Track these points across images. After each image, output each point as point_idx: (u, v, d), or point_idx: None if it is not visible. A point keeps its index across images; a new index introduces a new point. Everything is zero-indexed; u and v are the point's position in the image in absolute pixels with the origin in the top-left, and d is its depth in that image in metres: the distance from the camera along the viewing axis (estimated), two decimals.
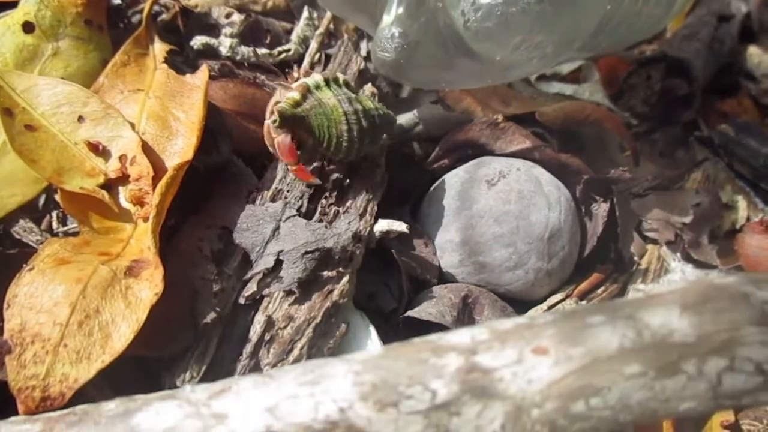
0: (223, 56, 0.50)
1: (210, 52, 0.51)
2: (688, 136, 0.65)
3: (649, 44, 0.72)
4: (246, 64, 0.51)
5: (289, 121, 0.38)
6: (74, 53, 0.42)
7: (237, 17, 0.52)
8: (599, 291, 0.48)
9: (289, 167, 0.41)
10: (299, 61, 0.53)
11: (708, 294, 0.23)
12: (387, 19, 0.45)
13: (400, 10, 0.44)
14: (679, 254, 0.45)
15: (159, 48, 0.45)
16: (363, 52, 0.54)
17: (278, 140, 0.39)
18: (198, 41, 0.50)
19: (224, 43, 0.50)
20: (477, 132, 0.51)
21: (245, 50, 0.50)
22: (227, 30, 0.51)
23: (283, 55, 0.51)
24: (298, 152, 0.39)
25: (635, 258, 0.50)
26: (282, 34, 0.55)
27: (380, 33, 0.45)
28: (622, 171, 0.48)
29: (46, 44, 0.41)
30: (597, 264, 0.49)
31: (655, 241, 0.52)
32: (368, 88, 0.48)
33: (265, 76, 0.51)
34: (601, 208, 0.47)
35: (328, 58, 0.54)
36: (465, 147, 0.52)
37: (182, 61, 0.50)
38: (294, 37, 0.54)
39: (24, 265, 0.33)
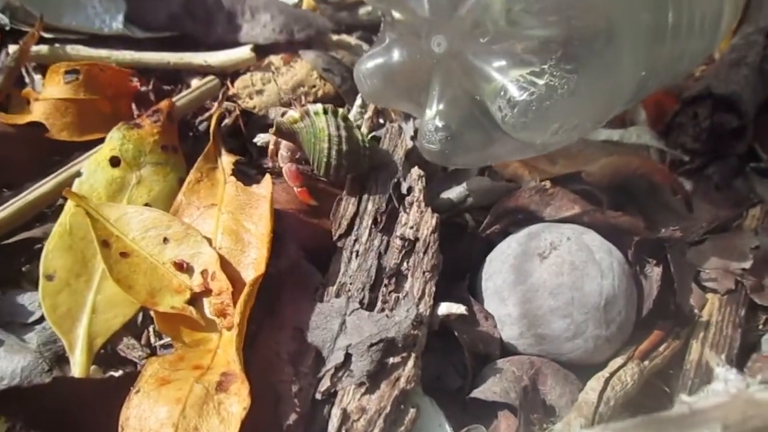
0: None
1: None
2: (744, 165, 0.64)
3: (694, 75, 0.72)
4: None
5: (284, 133, 0.48)
6: (155, 178, 0.47)
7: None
8: (661, 349, 0.49)
9: (295, 189, 0.50)
10: None
11: (747, 412, 0.24)
12: (429, 113, 0.48)
13: (441, 106, 0.47)
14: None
15: (227, 161, 0.50)
16: (410, 130, 0.57)
17: (286, 168, 0.49)
18: (260, 139, 0.55)
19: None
20: (526, 199, 0.53)
21: None
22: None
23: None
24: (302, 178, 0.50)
25: (695, 311, 0.51)
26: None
27: (424, 126, 0.48)
28: (673, 230, 0.49)
29: (130, 174, 0.47)
30: (657, 320, 0.50)
31: (715, 291, 0.52)
32: (415, 171, 0.51)
33: None
34: (654, 272, 0.48)
35: (377, 142, 0.57)
36: (515, 213, 0.54)
37: (247, 161, 0.55)
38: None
39: (132, 387, 0.38)
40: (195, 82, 0.59)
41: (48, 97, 0.47)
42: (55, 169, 0.47)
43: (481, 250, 0.53)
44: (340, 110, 0.51)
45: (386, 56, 0.49)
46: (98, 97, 0.48)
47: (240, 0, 0.63)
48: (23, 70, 0.54)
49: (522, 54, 0.43)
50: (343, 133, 0.50)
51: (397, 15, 0.47)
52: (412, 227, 0.48)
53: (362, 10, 0.71)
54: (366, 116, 0.58)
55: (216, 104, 0.54)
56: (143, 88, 0.51)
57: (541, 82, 0.42)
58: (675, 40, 0.49)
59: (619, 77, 0.45)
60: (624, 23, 0.44)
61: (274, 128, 0.48)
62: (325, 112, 0.50)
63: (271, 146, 0.52)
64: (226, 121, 0.56)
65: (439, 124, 0.47)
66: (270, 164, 0.53)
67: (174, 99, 0.51)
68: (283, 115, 0.51)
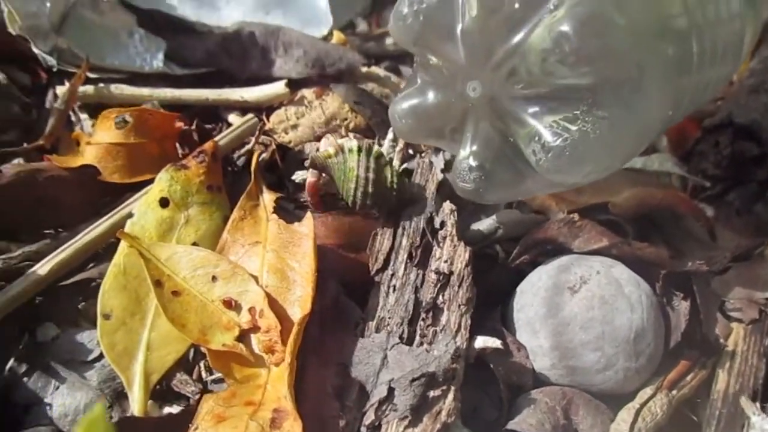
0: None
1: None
2: (764, 191, 0.66)
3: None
4: None
5: (317, 166, 0.52)
6: (201, 217, 0.49)
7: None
8: (688, 379, 0.50)
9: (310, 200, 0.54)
10: None
11: None
12: (463, 153, 0.50)
13: (474, 146, 0.49)
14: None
15: (268, 198, 0.52)
16: (440, 163, 0.59)
17: (308, 179, 0.52)
18: (298, 176, 0.57)
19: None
20: (555, 231, 0.55)
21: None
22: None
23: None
24: (320, 193, 0.54)
25: (721, 340, 0.53)
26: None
27: (458, 165, 0.50)
28: (699, 264, 0.51)
29: (179, 214, 0.49)
30: (683, 350, 0.51)
31: (740, 320, 0.54)
32: (447, 205, 0.53)
33: None
34: (682, 306, 0.50)
35: (409, 173, 0.59)
36: (544, 244, 0.56)
37: (284, 195, 0.57)
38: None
39: (190, 425, 0.40)
40: (232, 118, 0.61)
41: (100, 141, 0.49)
42: (106, 210, 0.49)
43: (512, 281, 0.55)
44: (375, 148, 0.53)
45: (421, 97, 0.51)
46: (147, 140, 0.50)
47: (273, 36, 0.65)
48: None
49: (555, 100, 0.44)
50: (371, 175, 0.52)
51: (432, 59, 0.49)
52: (446, 261, 0.50)
53: (389, 40, 0.73)
54: (397, 149, 0.60)
55: (255, 141, 0.56)
56: (187, 128, 0.53)
57: (574, 127, 0.44)
58: (700, 71, 0.51)
59: (648, 117, 0.47)
60: (653, 66, 0.45)
61: (309, 161, 0.51)
62: (359, 150, 0.52)
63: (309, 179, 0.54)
64: (264, 155, 0.58)
65: (473, 163, 0.49)
66: (308, 199, 0.56)
67: (216, 139, 0.53)
68: (318, 149, 0.54)
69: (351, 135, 0.61)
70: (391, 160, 0.60)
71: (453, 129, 0.51)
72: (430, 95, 0.50)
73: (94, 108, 0.58)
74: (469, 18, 0.45)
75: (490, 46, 0.46)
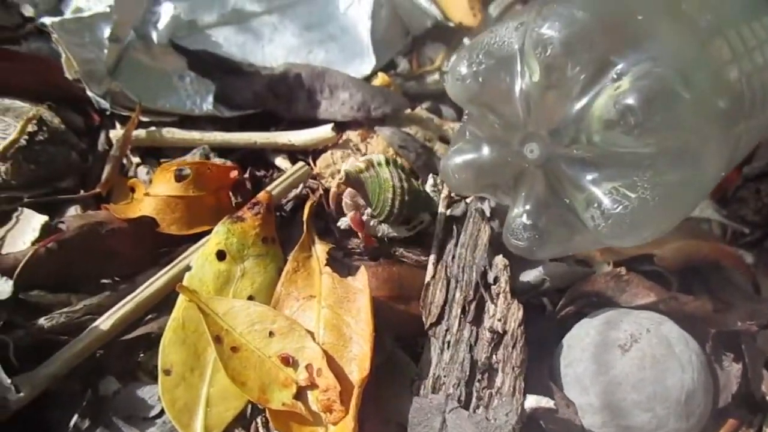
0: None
1: (354, 232, 0.58)
2: None
3: None
4: (386, 239, 0.57)
5: (351, 182, 0.53)
6: (257, 270, 0.50)
7: None
8: None
9: (359, 234, 0.55)
10: (431, 226, 0.59)
11: None
12: (517, 211, 0.50)
13: (528, 206, 0.50)
14: None
15: (320, 249, 0.53)
16: (487, 210, 0.60)
17: (350, 216, 0.54)
18: (344, 222, 0.58)
19: (368, 223, 0.57)
20: (602, 284, 0.56)
21: (385, 228, 0.57)
22: (369, 210, 0.58)
23: (418, 228, 0.58)
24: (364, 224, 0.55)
25: (767, 398, 0.53)
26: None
27: (511, 223, 0.50)
28: (749, 324, 0.51)
29: (235, 267, 0.49)
30: (730, 408, 0.52)
31: None
32: (500, 260, 0.54)
33: (404, 248, 0.58)
34: (733, 368, 0.50)
35: (454, 221, 0.60)
36: (590, 296, 0.56)
37: (333, 242, 0.58)
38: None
39: None
40: (280, 161, 0.61)
41: (158, 193, 0.50)
42: (164, 261, 0.50)
43: (558, 332, 0.55)
44: (399, 160, 0.56)
45: (475, 153, 0.51)
46: (204, 192, 0.51)
47: (319, 78, 0.66)
48: None
49: (614, 166, 0.45)
50: (405, 184, 0.54)
51: (488, 116, 0.49)
52: (500, 320, 0.51)
53: (429, 79, 0.74)
54: (442, 195, 0.61)
55: (307, 190, 0.57)
56: (240, 177, 0.54)
57: (633, 195, 0.44)
58: (751, 118, 0.51)
59: (706, 176, 0.47)
60: (712, 128, 0.46)
61: (343, 177, 0.53)
62: (388, 163, 0.54)
63: (333, 189, 0.56)
64: (311, 199, 0.59)
65: (527, 222, 0.50)
66: (359, 248, 0.56)
67: (269, 188, 0.54)
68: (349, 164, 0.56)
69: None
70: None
71: (506, 184, 0.51)
72: (485, 151, 0.51)
73: (146, 151, 0.59)
74: (529, 82, 0.46)
75: (550, 111, 0.46)
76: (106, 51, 0.55)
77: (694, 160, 0.45)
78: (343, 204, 0.56)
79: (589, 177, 0.45)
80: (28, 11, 0.63)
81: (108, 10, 0.54)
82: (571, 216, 0.48)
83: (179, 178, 0.50)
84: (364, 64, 0.71)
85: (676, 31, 0.45)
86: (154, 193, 0.50)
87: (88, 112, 0.59)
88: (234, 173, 0.52)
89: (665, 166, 0.44)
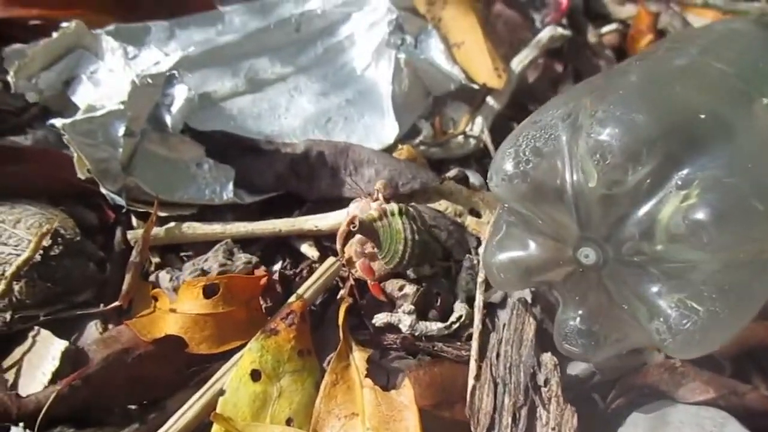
0: (404, 332, 0.54)
1: (390, 327, 0.55)
2: None
3: None
4: (423, 337, 0.54)
5: (365, 230, 0.53)
6: (294, 388, 0.47)
7: (409, 289, 0.55)
8: None
9: (368, 282, 0.55)
10: (470, 323, 0.55)
11: None
12: (570, 314, 0.47)
13: (581, 311, 0.46)
14: None
15: (359, 357, 0.49)
16: (528, 298, 0.56)
17: (359, 263, 0.54)
18: (379, 320, 0.54)
19: (404, 322, 0.54)
20: (656, 376, 0.52)
21: (423, 327, 0.54)
22: (404, 306, 0.55)
23: (456, 325, 0.55)
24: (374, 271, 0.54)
25: None
26: (445, 290, 0.58)
27: (563, 325, 0.47)
28: None
29: (271, 387, 0.46)
30: None
31: None
32: (549, 359, 0.50)
33: (443, 344, 0.54)
34: None
35: (493, 308, 0.57)
36: (643, 388, 0.53)
37: (367, 337, 0.54)
38: (459, 289, 0.58)
39: None
40: (305, 248, 0.58)
41: (186, 311, 0.46)
42: (193, 382, 0.47)
43: (609, 426, 0.52)
44: (412, 210, 0.56)
45: (521, 251, 0.48)
46: (234, 307, 0.47)
47: (342, 155, 0.62)
48: None
49: (680, 277, 0.42)
50: (417, 237, 0.54)
51: (539, 216, 0.46)
52: (553, 428, 0.47)
53: (454, 144, 0.71)
54: (479, 280, 0.57)
55: (337, 279, 0.54)
56: (269, 280, 0.50)
57: (702, 308, 0.41)
58: None
59: None
60: None
61: (356, 227, 0.53)
62: (401, 213, 0.55)
63: (341, 229, 0.54)
64: (342, 292, 0.56)
65: (582, 327, 0.46)
66: (396, 343, 0.53)
67: (301, 291, 0.51)
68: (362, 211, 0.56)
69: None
70: (470, 288, 0.58)
71: (560, 287, 0.48)
72: (533, 250, 0.47)
73: (165, 247, 0.56)
74: (584, 185, 0.43)
75: (606, 218, 0.43)
76: (120, 150, 0.51)
77: (761, 270, 0.42)
78: (353, 251, 0.55)
79: (653, 288, 0.42)
80: (32, 98, 0.59)
81: (121, 107, 0.51)
82: (630, 319, 0.45)
83: (208, 294, 0.46)
84: (387, 132, 0.68)
85: (744, 131, 0.42)
86: (181, 311, 0.47)
87: (101, 208, 0.56)
88: (263, 280, 0.49)
89: (735, 274, 0.41)
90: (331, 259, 0.54)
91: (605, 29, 0.96)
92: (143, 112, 0.53)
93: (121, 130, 0.51)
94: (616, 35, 0.97)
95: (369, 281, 0.54)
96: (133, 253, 0.51)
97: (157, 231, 0.54)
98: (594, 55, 0.89)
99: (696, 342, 0.41)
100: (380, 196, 0.57)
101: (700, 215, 0.38)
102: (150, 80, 0.53)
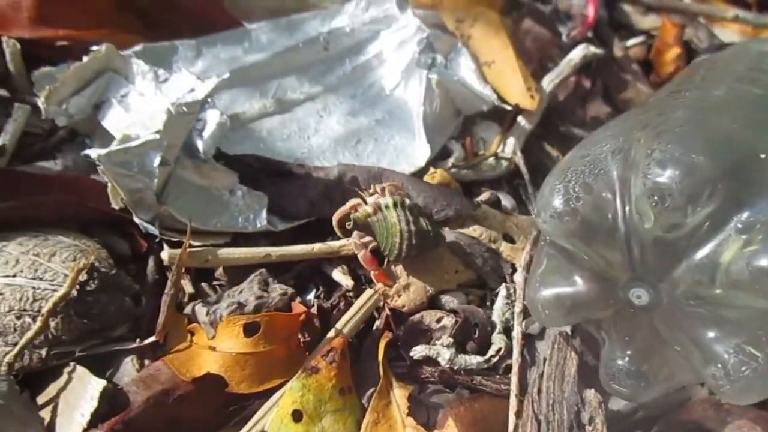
0: (442, 366, 0.53)
1: (427, 360, 0.54)
2: None
3: None
4: (462, 371, 0.53)
5: (360, 226, 0.54)
6: (336, 428, 0.46)
7: (447, 321, 0.54)
8: None
9: (372, 273, 0.55)
10: (508, 353, 0.54)
11: None
12: (617, 353, 0.46)
13: (630, 351, 0.45)
14: None
15: (400, 395, 0.48)
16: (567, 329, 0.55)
17: (361, 255, 0.54)
18: (417, 353, 0.53)
19: (443, 355, 0.53)
20: (700, 413, 0.51)
21: (462, 360, 0.53)
22: (443, 339, 0.54)
23: (495, 359, 0.54)
24: (377, 261, 0.55)
25: None
26: (483, 321, 0.57)
27: (610, 365, 0.46)
28: None
29: (313, 428, 0.45)
30: None
31: None
32: (593, 396, 0.49)
33: (482, 377, 0.53)
34: None
35: (531, 339, 0.56)
36: (687, 425, 0.52)
37: (404, 369, 0.53)
38: (496, 319, 0.57)
39: None
40: (336, 275, 0.57)
41: (225, 350, 0.45)
42: (234, 421, 0.45)
43: None
44: (407, 200, 0.56)
45: (568, 287, 0.47)
46: (275, 345, 0.46)
47: (376, 180, 0.61)
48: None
49: (737, 323, 0.41)
50: (413, 227, 0.54)
51: (588, 254, 0.45)
52: None
53: (485, 165, 0.69)
54: (516, 311, 0.56)
55: (378, 323, 0.52)
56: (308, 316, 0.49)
57: (761, 354, 0.40)
58: None
59: None
60: None
61: (351, 224, 0.54)
62: (396, 205, 0.55)
63: (336, 217, 0.56)
64: (378, 323, 0.55)
65: (630, 367, 0.45)
66: (434, 377, 0.52)
67: (340, 325, 0.50)
68: (355, 210, 0.56)
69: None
70: (508, 318, 0.57)
71: (608, 325, 0.47)
72: (580, 287, 0.46)
73: (196, 277, 0.55)
74: (639, 227, 0.41)
75: (661, 259, 0.42)
76: (155, 180, 0.50)
77: None
78: (353, 245, 0.55)
79: (709, 333, 0.41)
80: (62, 122, 0.58)
81: (157, 136, 0.49)
82: (682, 360, 0.44)
83: (248, 332, 0.45)
84: (418, 155, 0.67)
85: None
86: (220, 349, 0.45)
87: (134, 236, 0.55)
88: (303, 316, 0.48)
89: None
90: (368, 292, 0.53)
91: (631, 42, 0.95)
92: (178, 141, 0.52)
93: (157, 161, 0.50)
94: (642, 48, 0.96)
95: (372, 271, 0.55)
96: (168, 284, 0.49)
97: (192, 260, 0.53)
98: (621, 70, 0.88)
99: (756, 389, 0.40)
100: (377, 189, 0.57)
101: (765, 262, 0.37)
102: (185, 108, 0.51)
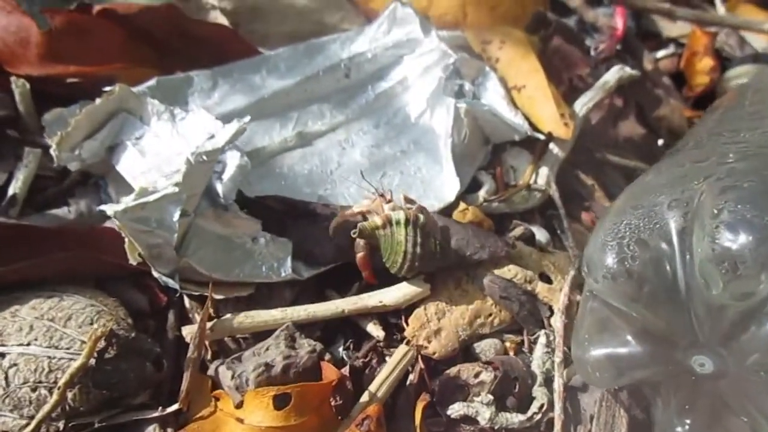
0: (482, 425, 0.50)
1: (466, 419, 0.50)
2: None
3: None
4: (504, 430, 0.50)
5: (365, 236, 0.53)
6: None
7: (485, 376, 0.51)
8: None
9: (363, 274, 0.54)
10: (550, 407, 0.51)
11: None
12: (674, 422, 0.43)
13: (689, 420, 0.42)
14: None
15: None
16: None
17: (358, 257, 0.53)
18: (455, 411, 0.50)
19: (482, 414, 0.50)
20: None
21: (503, 419, 0.50)
22: (482, 396, 0.50)
23: (538, 416, 0.50)
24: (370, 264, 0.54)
25: None
26: (522, 373, 0.53)
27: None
28: None
29: None
30: None
31: None
32: None
33: None
34: None
35: (574, 392, 0.52)
36: None
37: (441, 430, 0.50)
38: (536, 369, 0.53)
39: None
40: (371, 328, 0.54)
41: (254, 423, 0.42)
42: None
43: None
44: (421, 219, 0.53)
45: (619, 347, 0.43)
46: (307, 417, 0.43)
47: None
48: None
49: None
50: (419, 250, 0.52)
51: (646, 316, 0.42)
52: None
53: (518, 197, 0.66)
54: (557, 361, 0.53)
55: (412, 377, 0.49)
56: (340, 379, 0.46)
57: None
58: None
59: None
60: None
61: (356, 233, 0.52)
62: (407, 223, 0.52)
63: (337, 220, 0.55)
64: (411, 377, 0.52)
65: None
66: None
67: (374, 388, 0.47)
68: (365, 219, 0.55)
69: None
70: (548, 368, 0.53)
71: (664, 389, 0.44)
72: (633, 347, 0.43)
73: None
74: (704, 292, 0.38)
75: (729, 325, 0.38)
76: (175, 235, 0.47)
77: None
78: (355, 245, 0.53)
79: None
80: (74, 167, 0.55)
81: (176, 189, 0.46)
82: (749, 430, 0.41)
83: (278, 405, 0.42)
84: (447, 189, 0.63)
85: None
86: (248, 422, 0.42)
87: (152, 289, 0.52)
88: (334, 382, 0.45)
89: None
90: (401, 349, 0.50)
91: (661, 54, 0.91)
92: (198, 191, 0.49)
93: (176, 215, 0.47)
94: (672, 59, 0.92)
95: (364, 274, 0.54)
96: (190, 347, 0.47)
97: (213, 323, 0.50)
98: (654, 86, 0.84)
99: None
100: (393, 198, 0.55)
101: None
102: (205, 157, 0.48)
